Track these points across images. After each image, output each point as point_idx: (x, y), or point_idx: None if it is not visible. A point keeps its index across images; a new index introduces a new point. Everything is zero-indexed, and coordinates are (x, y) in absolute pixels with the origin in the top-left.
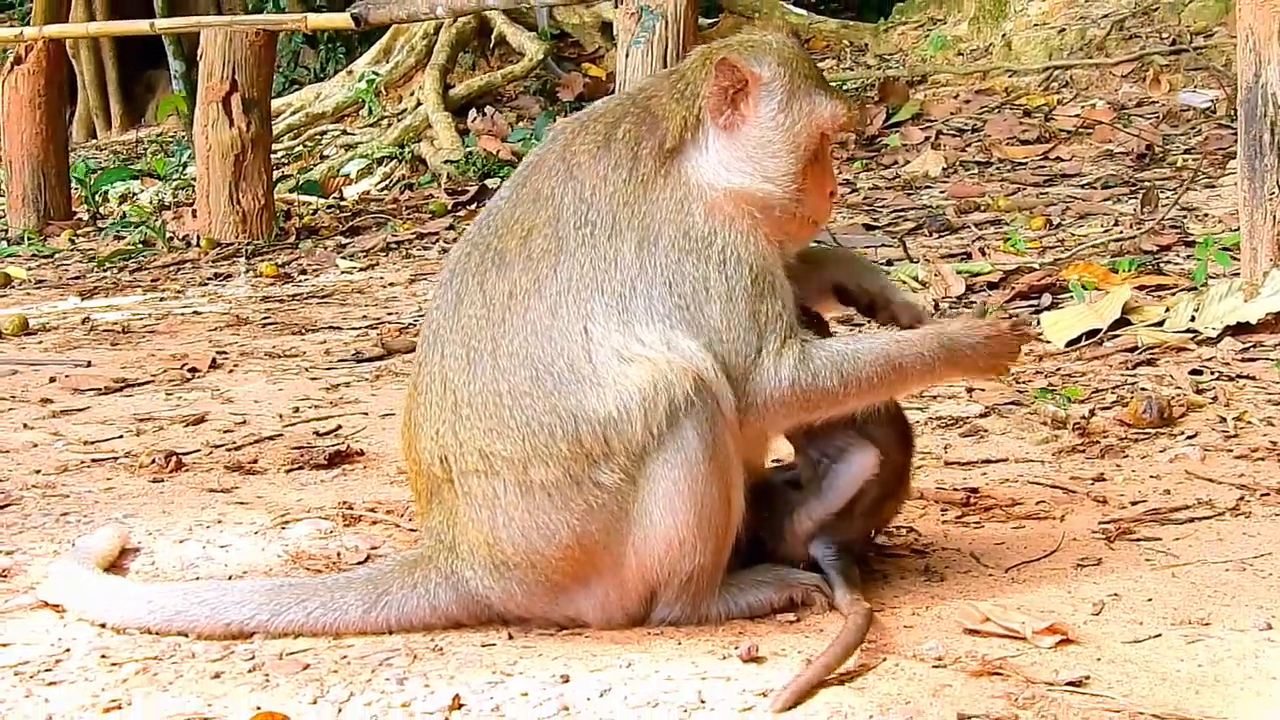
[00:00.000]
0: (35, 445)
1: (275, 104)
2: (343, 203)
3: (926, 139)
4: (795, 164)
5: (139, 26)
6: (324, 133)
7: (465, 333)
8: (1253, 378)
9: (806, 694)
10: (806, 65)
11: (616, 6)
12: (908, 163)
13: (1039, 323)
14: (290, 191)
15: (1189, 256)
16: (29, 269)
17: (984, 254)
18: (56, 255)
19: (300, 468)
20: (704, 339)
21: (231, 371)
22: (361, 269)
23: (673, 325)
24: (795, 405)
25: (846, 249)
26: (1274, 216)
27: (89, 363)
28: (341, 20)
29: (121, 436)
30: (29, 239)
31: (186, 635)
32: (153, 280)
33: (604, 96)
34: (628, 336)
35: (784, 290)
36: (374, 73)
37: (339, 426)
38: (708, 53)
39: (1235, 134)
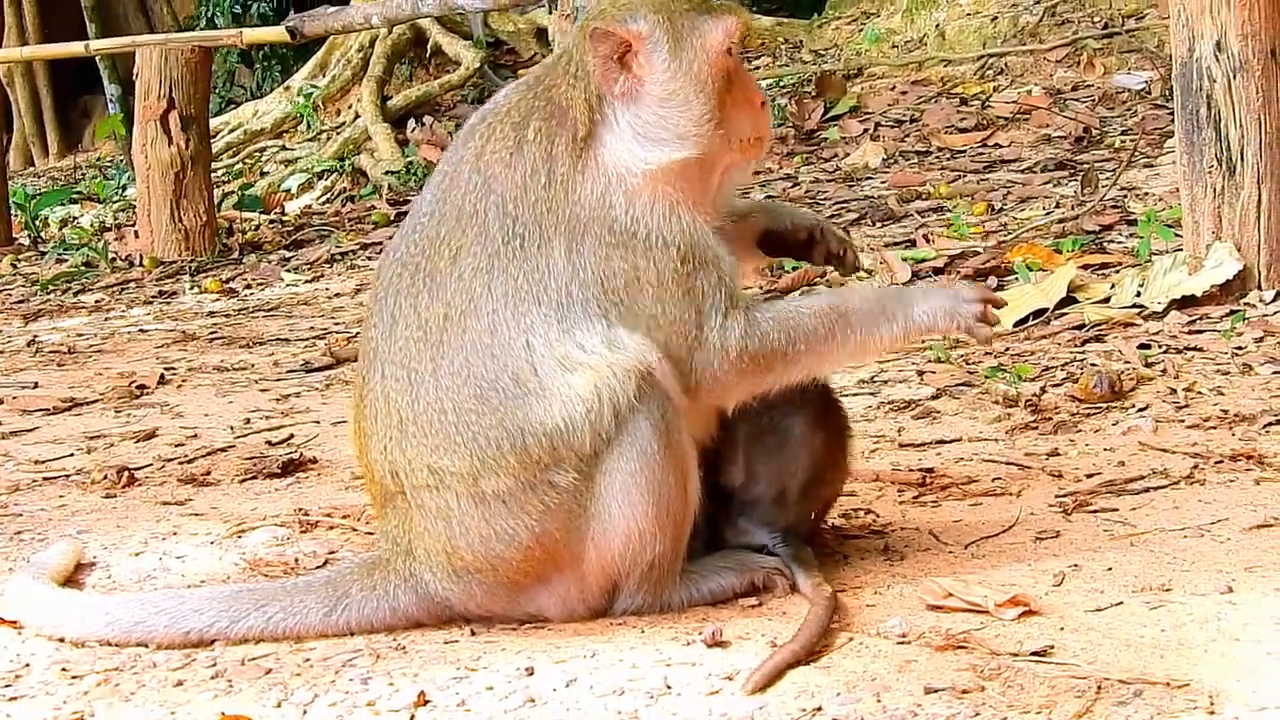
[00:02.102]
0: None
1: (213, 123)
2: (285, 217)
3: (865, 131)
4: (710, 100)
5: (74, 49)
6: (263, 149)
7: (404, 354)
8: (1200, 349)
9: (775, 677)
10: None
11: (550, 12)
12: (847, 155)
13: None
14: (233, 208)
15: (1131, 235)
16: None
17: (928, 240)
18: None
19: (254, 477)
20: (643, 327)
21: (180, 387)
22: (307, 281)
23: (611, 323)
24: (748, 372)
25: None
26: (1213, 189)
27: (36, 384)
28: (277, 34)
29: (72, 455)
30: None
31: (146, 645)
32: (97, 301)
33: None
34: (569, 345)
35: (718, 259)
36: (312, 87)
37: (291, 436)
38: (585, 26)
39: (1171, 114)
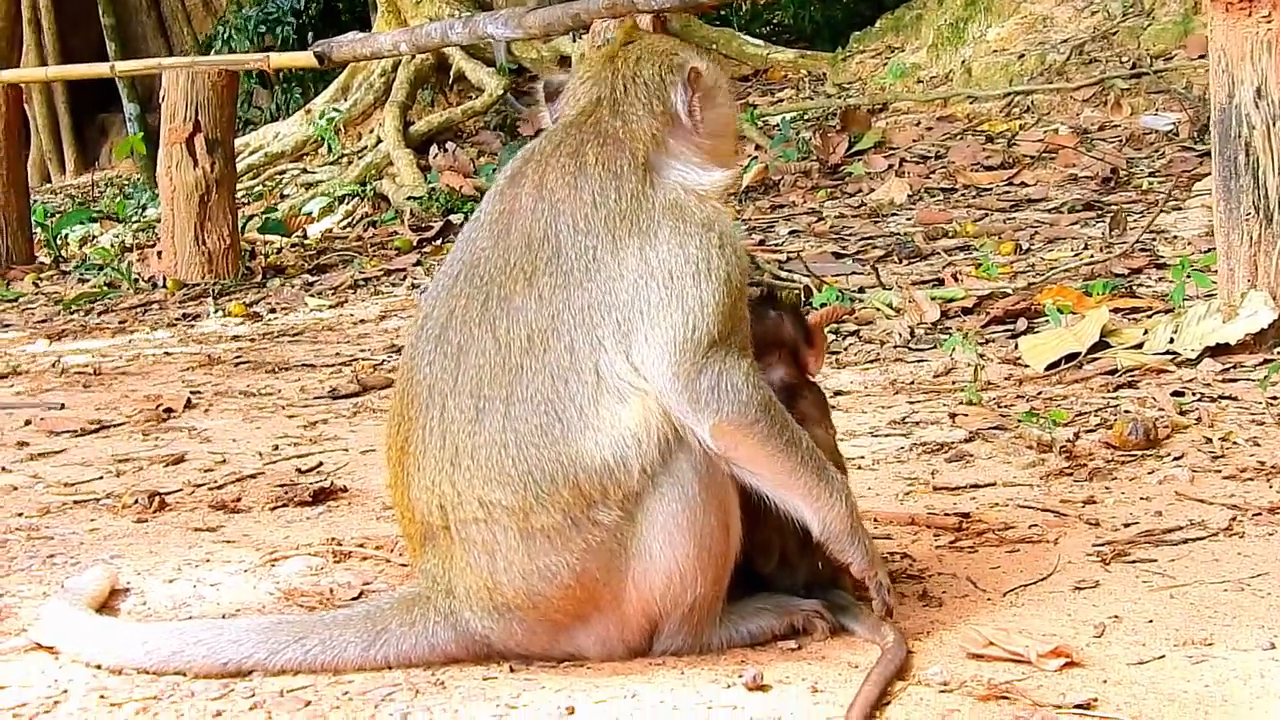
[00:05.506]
0: (15, 488)
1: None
2: (306, 241)
3: (890, 167)
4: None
5: (99, 70)
6: (283, 172)
7: (476, 382)
8: (1235, 398)
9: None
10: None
11: (575, 41)
12: (872, 190)
13: (1017, 346)
14: (257, 232)
15: (1160, 279)
16: None
17: (956, 279)
18: (21, 299)
19: (285, 505)
20: (679, 316)
21: (207, 411)
22: (331, 306)
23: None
24: (745, 418)
25: None
26: (1250, 236)
27: (63, 405)
28: (305, 59)
29: (102, 478)
30: None
31: (184, 675)
32: (120, 322)
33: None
34: (626, 365)
35: (746, 307)
36: (334, 110)
37: (320, 463)
38: (658, 66)
39: (1199, 156)
